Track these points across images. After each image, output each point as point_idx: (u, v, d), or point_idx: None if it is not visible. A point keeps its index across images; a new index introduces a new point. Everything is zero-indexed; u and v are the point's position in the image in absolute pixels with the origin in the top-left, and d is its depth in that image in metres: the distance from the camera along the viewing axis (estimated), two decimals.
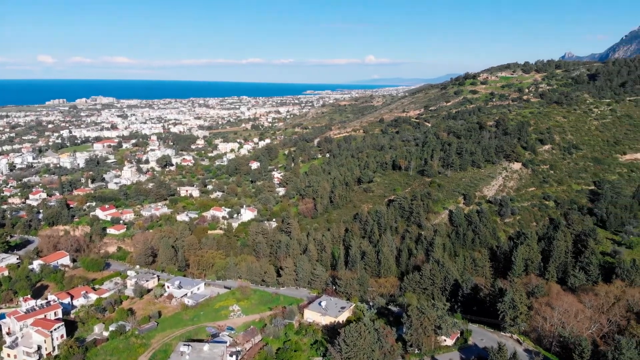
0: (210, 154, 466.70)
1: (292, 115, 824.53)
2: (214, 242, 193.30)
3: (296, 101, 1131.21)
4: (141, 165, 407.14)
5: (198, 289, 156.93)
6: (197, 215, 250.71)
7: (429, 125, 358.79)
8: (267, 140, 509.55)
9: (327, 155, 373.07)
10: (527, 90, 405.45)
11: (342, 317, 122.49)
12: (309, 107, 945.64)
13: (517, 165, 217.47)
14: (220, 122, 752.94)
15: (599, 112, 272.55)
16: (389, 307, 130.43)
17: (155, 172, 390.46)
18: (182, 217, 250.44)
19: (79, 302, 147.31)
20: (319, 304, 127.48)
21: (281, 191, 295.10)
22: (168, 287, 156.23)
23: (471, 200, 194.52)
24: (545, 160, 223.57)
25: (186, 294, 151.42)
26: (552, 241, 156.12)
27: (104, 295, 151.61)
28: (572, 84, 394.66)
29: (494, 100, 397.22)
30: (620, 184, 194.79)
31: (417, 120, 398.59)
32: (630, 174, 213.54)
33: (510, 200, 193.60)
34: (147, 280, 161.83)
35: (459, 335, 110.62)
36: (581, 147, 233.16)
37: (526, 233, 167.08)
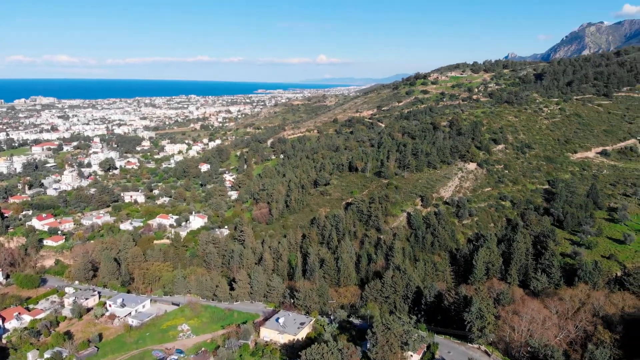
0: (156, 156, 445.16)
1: (243, 115, 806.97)
2: (161, 254, 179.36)
3: (247, 100, 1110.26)
4: (83, 169, 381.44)
5: (143, 306, 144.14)
6: (142, 224, 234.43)
7: (383, 125, 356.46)
8: (218, 141, 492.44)
9: (282, 156, 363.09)
10: (476, 90, 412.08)
11: (302, 334, 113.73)
12: (261, 107, 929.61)
13: (472, 166, 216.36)
14: (167, 123, 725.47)
15: (548, 111, 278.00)
16: (351, 319, 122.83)
17: (97, 177, 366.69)
18: (125, 225, 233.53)
19: (11, 324, 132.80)
20: (277, 320, 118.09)
21: (233, 195, 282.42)
22: (110, 305, 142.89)
23: (429, 202, 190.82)
24: (500, 160, 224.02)
25: (130, 313, 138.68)
26: (512, 243, 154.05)
27: (39, 317, 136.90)
28: (519, 83, 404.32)
29: (444, 100, 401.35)
30: (574, 183, 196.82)
31: (371, 121, 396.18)
32: (582, 172, 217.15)
33: (467, 202, 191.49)
34: (86, 299, 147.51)
35: (425, 349, 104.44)
36: (533, 147, 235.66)
37: (485, 235, 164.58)
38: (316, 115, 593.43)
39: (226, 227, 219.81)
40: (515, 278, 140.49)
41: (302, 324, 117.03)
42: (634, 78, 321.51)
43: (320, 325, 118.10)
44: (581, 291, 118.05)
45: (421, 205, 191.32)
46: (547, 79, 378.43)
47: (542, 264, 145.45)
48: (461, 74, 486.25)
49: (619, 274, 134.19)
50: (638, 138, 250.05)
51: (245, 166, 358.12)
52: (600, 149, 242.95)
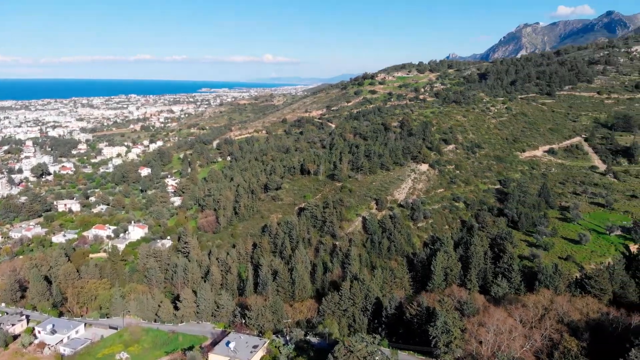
0: (94, 160, 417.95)
1: (187, 115, 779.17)
2: (97, 270, 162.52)
3: (191, 99, 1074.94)
4: (13, 176, 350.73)
5: (76, 332, 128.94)
6: (76, 236, 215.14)
7: (333, 126, 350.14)
8: (159, 143, 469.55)
9: (229, 158, 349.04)
10: (423, 90, 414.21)
11: (256, 359, 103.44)
12: (206, 106, 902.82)
13: (424, 167, 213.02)
14: (105, 124, 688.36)
15: (495, 110, 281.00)
16: (309, 338, 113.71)
17: (29, 184, 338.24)
18: (58, 238, 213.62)
19: None
20: (227, 344, 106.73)
21: (177, 201, 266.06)
22: (39, 332, 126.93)
23: (383, 205, 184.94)
24: (451, 160, 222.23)
25: (62, 340, 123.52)
26: (470, 246, 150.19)
27: None
28: (464, 83, 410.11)
29: (392, 100, 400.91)
30: (525, 183, 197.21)
31: (321, 121, 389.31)
32: (532, 171, 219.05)
33: (421, 204, 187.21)
34: (13, 324, 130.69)
35: None
36: (483, 146, 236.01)
37: (442, 238, 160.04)
38: (264, 115, 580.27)
39: (169, 237, 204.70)
40: (475, 284, 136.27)
41: (255, 347, 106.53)
42: (575, 77, 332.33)
43: (276, 347, 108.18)
44: (544, 297, 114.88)
45: (376, 208, 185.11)
46: (491, 78, 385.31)
47: (501, 268, 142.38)
48: (407, 74, 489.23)
49: (578, 276, 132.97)
50: (583, 136, 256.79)
51: (190, 169, 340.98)
52: (547, 147, 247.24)
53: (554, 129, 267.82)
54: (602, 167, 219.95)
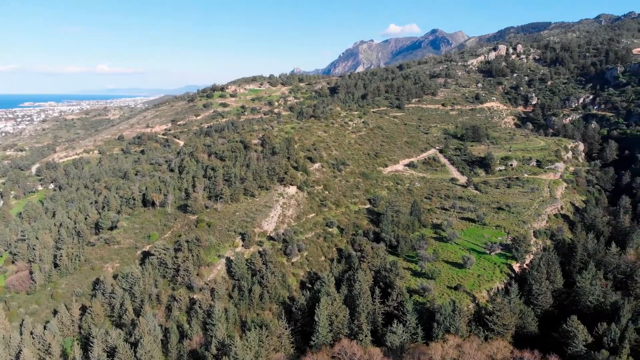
0: None
1: (3, 135, 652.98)
2: None
3: (10, 116, 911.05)
4: None
5: None
6: None
7: (182, 143, 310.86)
8: None
9: (52, 186, 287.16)
10: (277, 103, 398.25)
11: None
12: (27, 123, 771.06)
13: (292, 189, 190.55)
14: None
15: (354, 125, 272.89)
16: None
17: None
18: None
19: None
20: None
21: None
22: None
23: (251, 240, 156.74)
24: (319, 180, 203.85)
25: None
26: (354, 284, 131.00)
27: None
28: (316, 96, 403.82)
29: (246, 113, 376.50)
30: (396, 201, 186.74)
31: (166, 137, 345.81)
32: (397, 186, 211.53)
33: (294, 233, 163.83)
34: None
35: None
36: (348, 163, 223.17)
37: (322, 277, 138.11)
38: (97, 131, 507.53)
39: None
40: (367, 332, 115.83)
41: None
42: (421, 90, 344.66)
43: None
44: (450, 345, 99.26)
45: (242, 245, 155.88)
46: (342, 92, 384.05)
47: (390, 307, 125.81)
48: (260, 87, 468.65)
49: (474, 310, 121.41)
50: (437, 147, 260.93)
51: (1, 203, 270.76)
52: (407, 160, 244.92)
53: (410, 141, 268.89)
54: (462, 178, 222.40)
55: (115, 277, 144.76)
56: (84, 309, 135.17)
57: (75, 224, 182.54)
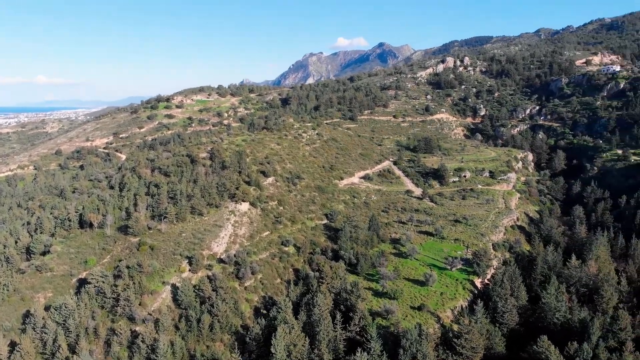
0: None
1: None
2: None
3: None
4: None
5: None
6: None
7: (123, 157, 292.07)
8: None
9: None
10: (226, 115, 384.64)
11: None
12: None
13: (245, 206, 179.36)
14: None
15: (307, 137, 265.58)
16: None
17: None
18: None
19: None
20: None
21: None
22: None
23: (199, 263, 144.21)
24: (273, 195, 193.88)
25: None
26: (313, 309, 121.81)
27: None
28: (267, 107, 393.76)
29: (193, 125, 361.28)
30: (354, 215, 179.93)
31: (107, 151, 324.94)
32: (354, 200, 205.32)
33: (247, 255, 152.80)
34: None
35: None
36: (303, 176, 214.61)
37: (277, 302, 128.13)
38: (33, 146, 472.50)
39: None
40: None
41: None
42: (372, 102, 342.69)
43: None
44: None
45: (189, 270, 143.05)
46: (294, 103, 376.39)
47: (352, 332, 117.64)
48: (208, 98, 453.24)
49: (436, 327, 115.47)
50: (391, 159, 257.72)
51: None
52: (362, 173, 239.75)
53: (364, 154, 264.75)
54: (417, 190, 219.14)
55: (47, 308, 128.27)
56: (13, 345, 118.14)
57: (4, 248, 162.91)
